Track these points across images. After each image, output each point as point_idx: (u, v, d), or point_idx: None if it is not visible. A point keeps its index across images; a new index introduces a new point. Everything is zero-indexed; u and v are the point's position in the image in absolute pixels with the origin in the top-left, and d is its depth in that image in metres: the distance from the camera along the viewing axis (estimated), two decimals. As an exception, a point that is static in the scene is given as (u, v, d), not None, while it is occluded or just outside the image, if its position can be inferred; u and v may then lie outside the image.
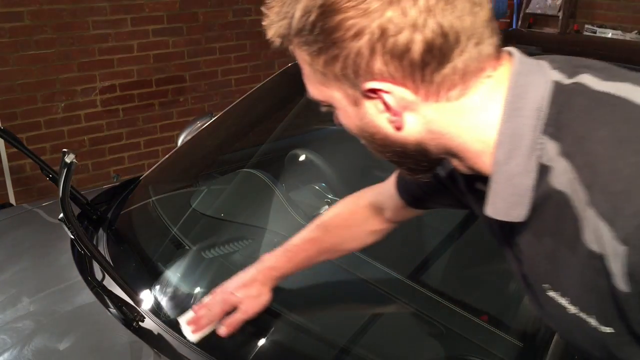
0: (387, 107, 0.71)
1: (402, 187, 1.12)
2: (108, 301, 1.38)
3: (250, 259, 1.33)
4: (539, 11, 4.58)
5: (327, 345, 1.38)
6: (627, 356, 0.70)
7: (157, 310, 1.39)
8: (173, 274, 1.52)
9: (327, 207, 1.87)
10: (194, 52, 4.14)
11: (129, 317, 1.30)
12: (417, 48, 0.65)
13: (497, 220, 0.73)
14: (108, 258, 1.53)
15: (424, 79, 0.68)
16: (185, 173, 2.11)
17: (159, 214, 1.78)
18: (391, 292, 1.47)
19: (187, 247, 1.63)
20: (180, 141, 2.23)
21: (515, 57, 0.72)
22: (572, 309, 0.71)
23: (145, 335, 1.29)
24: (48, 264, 1.62)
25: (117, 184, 2.04)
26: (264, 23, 0.74)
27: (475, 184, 0.79)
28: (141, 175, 2.05)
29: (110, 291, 1.40)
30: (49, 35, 3.59)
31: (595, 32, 4.30)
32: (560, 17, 4.42)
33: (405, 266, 1.54)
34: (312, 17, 0.67)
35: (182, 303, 1.41)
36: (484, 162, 0.72)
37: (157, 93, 4.08)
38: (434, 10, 0.65)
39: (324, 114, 0.80)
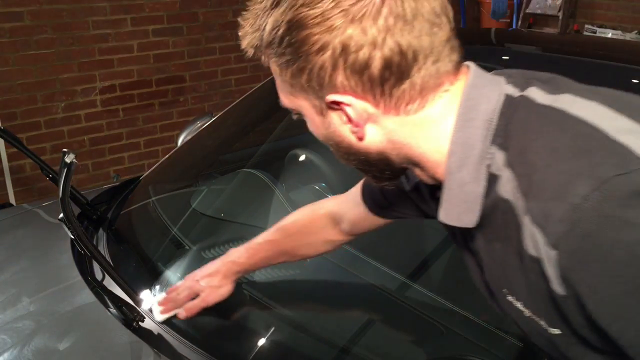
0: (349, 119, 0.74)
1: (368, 195, 1.15)
2: (108, 301, 1.38)
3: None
4: (539, 11, 4.58)
5: (327, 345, 1.38)
6: (574, 356, 0.72)
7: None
8: (173, 274, 1.52)
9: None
10: (194, 52, 4.14)
11: (129, 317, 1.30)
12: (376, 64, 0.69)
13: (459, 228, 0.77)
14: (108, 258, 1.52)
15: (383, 93, 0.71)
16: (185, 173, 2.11)
17: (159, 214, 1.78)
18: (391, 292, 1.47)
19: (187, 247, 1.63)
20: (180, 141, 2.23)
21: (471, 71, 0.75)
22: (527, 312, 0.74)
23: (145, 335, 1.29)
24: (48, 264, 1.62)
25: (117, 184, 2.04)
26: (239, 33, 0.78)
27: (436, 192, 0.82)
28: (141, 175, 2.05)
29: (110, 291, 1.40)
30: (49, 35, 3.60)
31: (595, 32, 4.30)
32: (560, 17, 4.43)
33: (405, 266, 1.55)
34: (281, 31, 0.71)
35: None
36: (443, 172, 0.75)
37: (157, 93, 4.08)
38: (393, 30, 0.68)
39: None
